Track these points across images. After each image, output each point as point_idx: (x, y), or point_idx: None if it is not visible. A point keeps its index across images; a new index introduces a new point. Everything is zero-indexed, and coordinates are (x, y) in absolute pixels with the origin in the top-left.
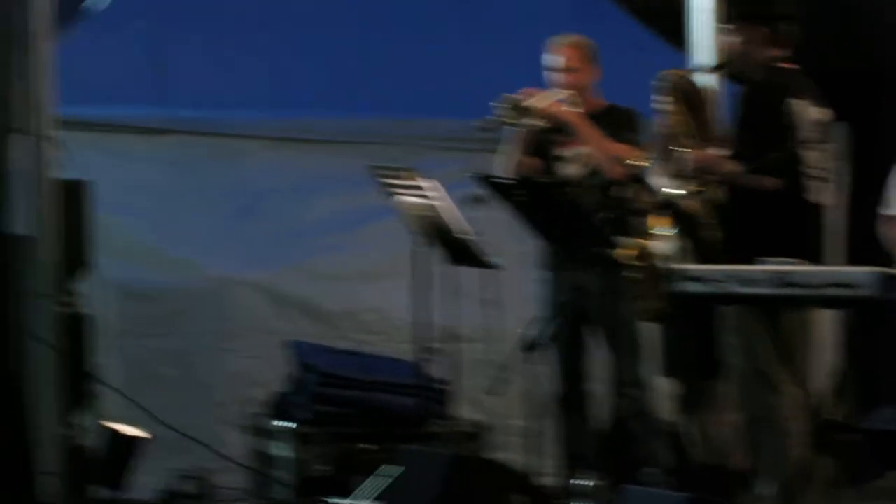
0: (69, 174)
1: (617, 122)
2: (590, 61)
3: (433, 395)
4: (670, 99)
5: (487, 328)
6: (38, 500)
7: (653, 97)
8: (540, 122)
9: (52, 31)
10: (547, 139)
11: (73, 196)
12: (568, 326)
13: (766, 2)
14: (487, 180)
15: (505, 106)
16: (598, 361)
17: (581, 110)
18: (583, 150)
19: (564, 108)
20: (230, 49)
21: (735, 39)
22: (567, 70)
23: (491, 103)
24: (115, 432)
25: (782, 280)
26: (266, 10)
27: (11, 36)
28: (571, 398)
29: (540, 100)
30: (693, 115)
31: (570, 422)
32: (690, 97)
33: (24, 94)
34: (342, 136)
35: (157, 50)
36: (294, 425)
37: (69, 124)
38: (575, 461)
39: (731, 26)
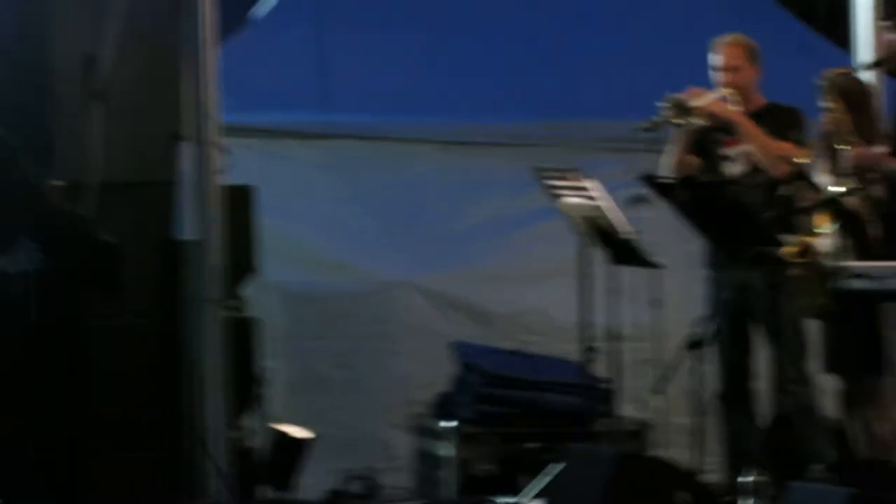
0: (235, 180)
1: (778, 120)
2: (751, 60)
3: (597, 394)
4: (831, 97)
5: (650, 327)
6: (207, 501)
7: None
8: (703, 122)
9: (217, 38)
10: (709, 138)
11: (239, 201)
12: (732, 324)
13: None
14: (651, 180)
15: (669, 106)
16: (762, 359)
17: (742, 109)
18: (746, 148)
19: (728, 106)
20: (394, 54)
21: (893, 36)
22: (728, 69)
23: (656, 103)
24: (282, 434)
25: None
26: (431, 15)
27: (180, 45)
28: (735, 395)
29: (704, 99)
30: (855, 114)
31: (734, 419)
32: (852, 95)
33: (191, 101)
34: (506, 138)
35: (321, 55)
36: (458, 425)
37: (235, 131)
38: (739, 458)
39: (889, 23)
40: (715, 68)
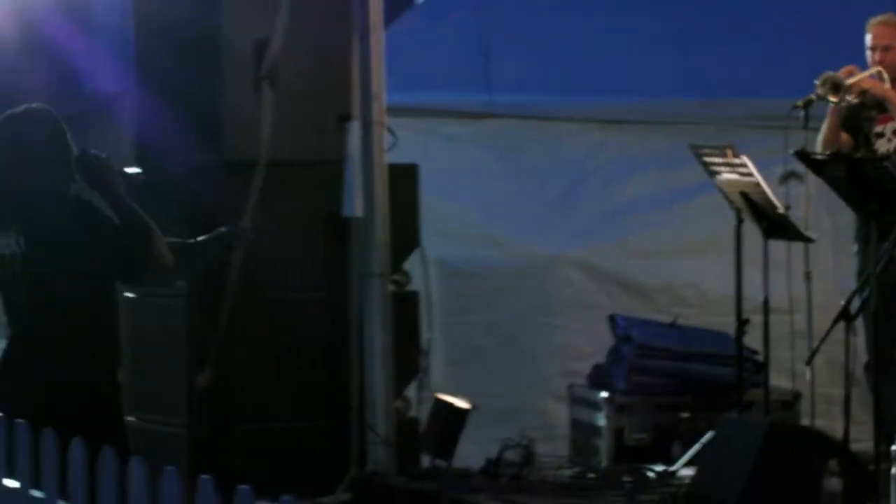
0: (400, 159)
1: None
2: None
3: (749, 366)
4: None
5: (801, 300)
6: (371, 470)
7: None
8: (857, 99)
9: (383, 23)
10: (862, 115)
11: (403, 179)
12: (881, 297)
13: None
14: (805, 156)
15: (824, 83)
16: None
17: (894, 87)
18: None
19: (882, 84)
20: (553, 36)
21: None
22: (880, 48)
23: (814, 81)
24: (443, 403)
25: None
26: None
27: (348, 29)
28: (883, 366)
29: (858, 76)
30: None
31: (883, 389)
32: None
33: (358, 84)
34: (663, 117)
35: (483, 38)
36: (612, 395)
37: (400, 111)
38: (887, 427)
39: None
40: (868, 48)
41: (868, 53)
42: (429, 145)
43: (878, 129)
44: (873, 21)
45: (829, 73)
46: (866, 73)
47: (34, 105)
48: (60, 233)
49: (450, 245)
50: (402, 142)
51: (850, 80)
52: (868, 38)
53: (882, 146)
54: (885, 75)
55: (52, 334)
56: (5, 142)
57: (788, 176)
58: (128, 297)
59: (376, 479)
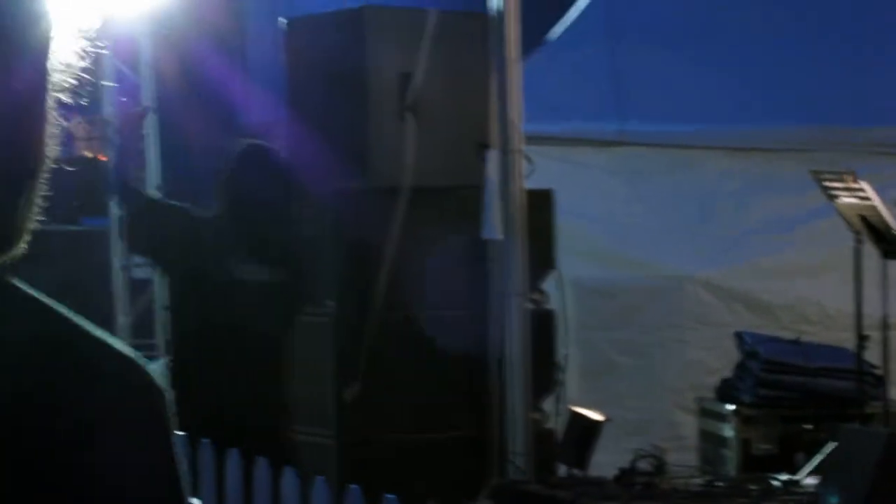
0: (536, 184)
1: None
2: None
3: (869, 379)
4: None
5: None
6: (510, 478)
7: None
8: None
9: (520, 55)
10: None
11: (539, 204)
12: None
13: None
14: None
15: None
16: None
17: None
18: None
19: None
20: (683, 66)
21: None
22: None
23: None
24: (578, 416)
25: None
26: (716, 29)
27: (486, 61)
28: None
29: None
30: None
31: None
32: None
33: (497, 113)
34: (787, 144)
35: (615, 68)
36: (739, 407)
37: (535, 139)
38: None
39: None
40: None
41: None
42: (563, 171)
43: None
44: None
45: None
46: None
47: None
48: (309, 265)
49: (586, 266)
50: (538, 168)
51: None
52: None
53: None
54: None
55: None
56: (272, 178)
57: None
58: None
59: (515, 487)
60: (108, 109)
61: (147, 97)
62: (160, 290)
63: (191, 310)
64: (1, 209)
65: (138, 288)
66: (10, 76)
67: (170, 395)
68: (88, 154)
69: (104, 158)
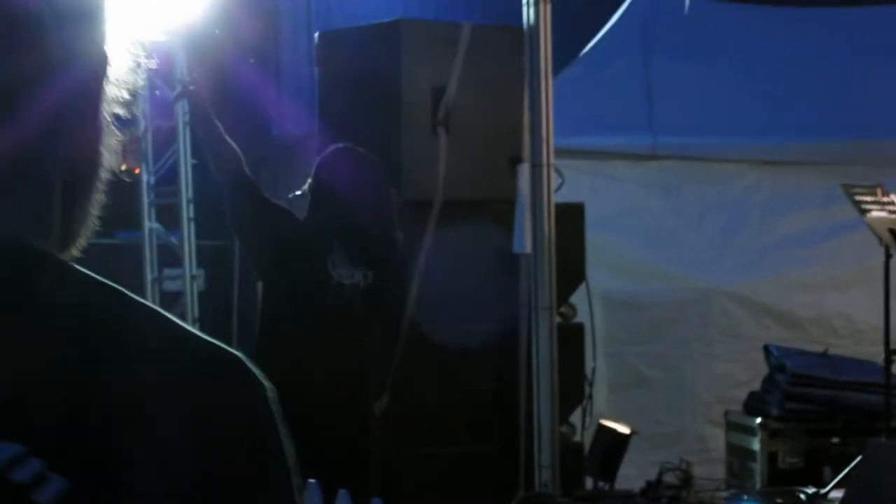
0: (567, 198)
1: None
2: None
3: None
4: None
5: None
6: (538, 491)
7: None
8: None
9: (552, 71)
10: None
11: (570, 218)
12: None
13: None
14: None
15: None
16: None
17: None
18: None
19: None
20: (713, 81)
21: None
22: None
23: None
24: (606, 429)
25: None
26: (745, 46)
27: (519, 77)
28: None
29: None
30: None
31: None
32: None
33: (529, 127)
34: (816, 157)
35: (647, 84)
36: (767, 421)
37: (568, 153)
38: None
39: None
40: None
41: None
42: (596, 185)
43: None
44: None
45: None
46: None
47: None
48: (399, 271)
49: (615, 279)
50: (569, 181)
51: None
52: None
53: None
54: None
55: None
56: (371, 182)
57: None
58: None
59: (543, 500)
60: (142, 123)
61: (180, 111)
62: (191, 302)
63: (282, 305)
64: (54, 215)
65: (170, 300)
66: (67, 82)
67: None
68: (123, 167)
69: (137, 171)
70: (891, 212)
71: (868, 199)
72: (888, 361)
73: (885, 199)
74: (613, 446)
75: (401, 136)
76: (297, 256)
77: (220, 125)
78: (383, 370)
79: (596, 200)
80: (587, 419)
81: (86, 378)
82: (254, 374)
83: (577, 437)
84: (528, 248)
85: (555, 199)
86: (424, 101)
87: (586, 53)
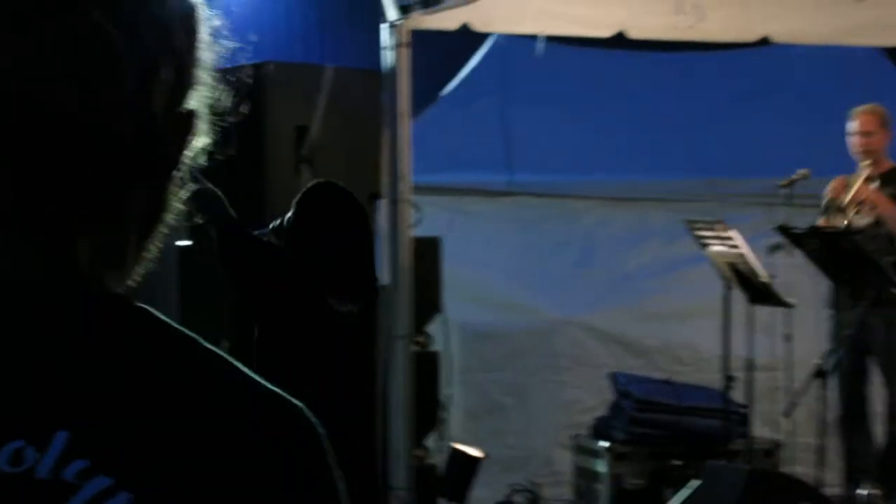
0: (425, 232)
1: None
2: (882, 126)
3: (735, 418)
4: None
5: (782, 359)
6: None
7: None
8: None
9: (411, 111)
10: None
11: (427, 251)
12: (852, 357)
13: None
14: (785, 231)
15: (824, 208)
16: (879, 388)
17: (872, 170)
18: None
19: (868, 188)
20: (567, 122)
21: None
22: (863, 134)
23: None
24: (458, 452)
25: None
26: (598, 88)
27: (380, 116)
28: (854, 419)
29: (851, 191)
30: None
31: (853, 440)
32: None
33: (387, 165)
34: (661, 194)
35: (503, 124)
36: (612, 444)
37: (427, 190)
38: (857, 474)
39: None
40: (851, 133)
41: (851, 139)
42: (454, 220)
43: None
44: (858, 110)
45: (826, 197)
46: (856, 182)
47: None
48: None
49: (473, 310)
50: (428, 216)
51: (846, 199)
52: (852, 125)
53: (857, 220)
54: (867, 163)
55: None
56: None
57: (777, 247)
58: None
59: None
60: None
61: None
62: None
63: (279, 337)
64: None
65: None
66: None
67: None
68: None
69: None
70: (730, 246)
71: (709, 234)
72: (727, 388)
73: (725, 235)
74: (465, 469)
75: (266, 172)
76: (293, 289)
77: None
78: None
79: (454, 235)
80: (442, 443)
81: (173, 420)
82: (314, 420)
83: (432, 460)
84: (387, 279)
85: (413, 233)
86: (289, 140)
87: (446, 94)
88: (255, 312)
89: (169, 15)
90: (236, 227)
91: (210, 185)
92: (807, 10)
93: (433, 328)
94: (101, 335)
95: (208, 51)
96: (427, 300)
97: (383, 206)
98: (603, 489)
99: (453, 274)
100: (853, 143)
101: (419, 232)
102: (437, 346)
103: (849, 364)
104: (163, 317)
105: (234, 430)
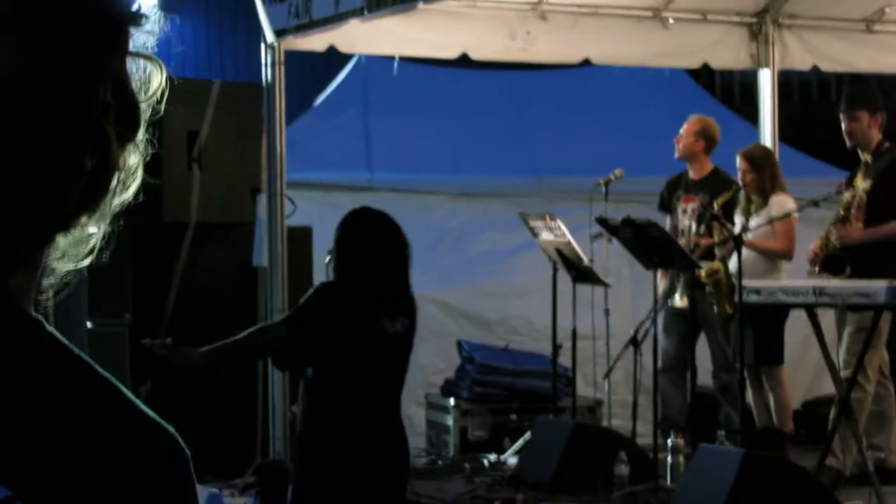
0: (298, 222)
1: (717, 182)
2: (699, 136)
3: (562, 380)
4: (746, 163)
5: (601, 329)
6: (271, 458)
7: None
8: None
9: (285, 118)
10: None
11: (300, 238)
12: (678, 323)
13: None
14: (603, 222)
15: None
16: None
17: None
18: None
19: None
20: (420, 129)
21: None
22: (684, 138)
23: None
24: None
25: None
26: (448, 102)
27: (260, 124)
28: (672, 376)
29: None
30: (760, 174)
31: (669, 394)
32: (760, 161)
33: (266, 164)
34: (499, 191)
35: (366, 130)
36: (459, 402)
37: (300, 185)
38: (665, 424)
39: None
40: (679, 136)
41: (677, 140)
42: (323, 212)
43: (682, 206)
44: (688, 119)
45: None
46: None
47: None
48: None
49: None
50: (302, 209)
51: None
52: (681, 130)
53: (682, 222)
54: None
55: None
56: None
57: (598, 235)
58: (88, 328)
59: (274, 466)
60: None
61: None
62: None
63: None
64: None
65: None
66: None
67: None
68: None
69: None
70: (557, 235)
71: (539, 224)
72: (555, 354)
73: (553, 225)
74: None
75: (162, 170)
76: (349, 324)
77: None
78: (147, 361)
79: (324, 225)
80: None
81: (61, 440)
82: (182, 446)
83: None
84: (265, 262)
85: (287, 223)
86: (182, 142)
87: (317, 105)
88: (312, 357)
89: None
90: (272, 348)
91: (223, 351)
92: (621, 36)
93: None
94: (5, 353)
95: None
96: (300, 280)
97: (263, 200)
98: (451, 439)
99: (322, 259)
100: (677, 142)
101: (293, 222)
102: None
103: (675, 329)
104: (63, 339)
105: (110, 453)
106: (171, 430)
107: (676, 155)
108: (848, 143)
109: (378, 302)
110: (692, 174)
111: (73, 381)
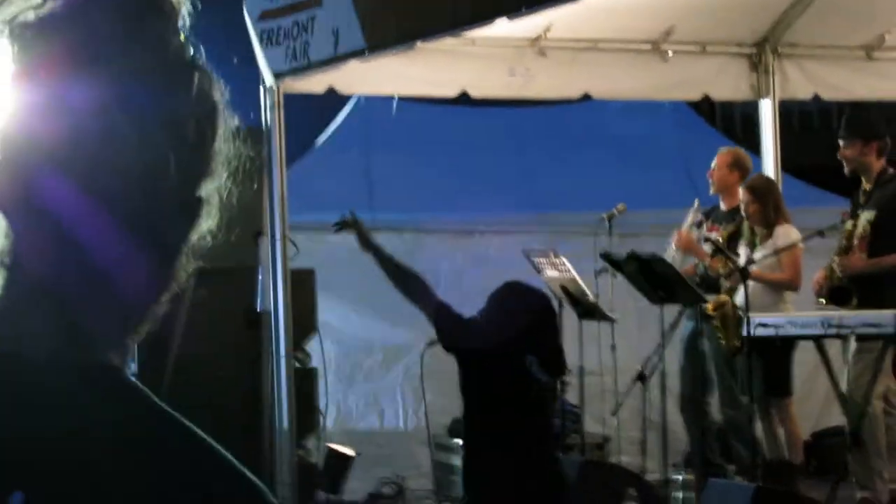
0: (301, 264)
1: None
2: (732, 166)
3: (570, 416)
4: (749, 194)
5: (608, 365)
6: (278, 501)
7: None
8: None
9: (286, 160)
10: None
11: (303, 280)
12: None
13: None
14: (607, 257)
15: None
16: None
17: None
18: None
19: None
20: (420, 168)
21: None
22: (716, 171)
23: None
24: (334, 451)
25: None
26: (446, 138)
27: (261, 165)
28: (685, 410)
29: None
30: (763, 205)
31: (690, 426)
32: (763, 192)
33: (268, 206)
34: (499, 228)
35: (367, 171)
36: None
37: (303, 227)
38: (674, 461)
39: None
40: (711, 170)
41: (711, 173)
42: (326, 252)
43: (705, 234)
44: (720, 151)
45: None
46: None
47: None
48: None
49: (349, 327)
50: (304, 250)
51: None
52: (714, 163)
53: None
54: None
55: None
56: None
57: (603, 270)
58: None
59: None
60: None
61: None
62: None
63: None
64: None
65: None
66: None
67: None
68: None
69: None
70: (562, 271)
71: (543, 260)
72: (562, 391)
73: (558, 261)
74: (339, 465)
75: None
76: (501, 363)
77: (383, 249)
78: None
79: (327, 266)
80: (320, 444)
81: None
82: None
83: (312, 459)
84: (269, 306)
85: (290, 265)
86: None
87: (318, 146)
88: (464, 388)
89: (182, 112)
90: (446, 312)
91: (416, 272)
92: (621, 70)
93: (311, 347)
94: (91, 402)
95: (225, 144)
96: (304, 323)
97: (264, 243)
98: (459, 480)
99: (325, 299)
100: (711, 175)
101: (296, 264)
102: (315, 362)
103: (688, 366)
104: (147, 391)
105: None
106: (261, 484)
107: (711, 190)
108: (846, 168)
109: (528, 350)
110: (724, 205)
111: (151, 428)
